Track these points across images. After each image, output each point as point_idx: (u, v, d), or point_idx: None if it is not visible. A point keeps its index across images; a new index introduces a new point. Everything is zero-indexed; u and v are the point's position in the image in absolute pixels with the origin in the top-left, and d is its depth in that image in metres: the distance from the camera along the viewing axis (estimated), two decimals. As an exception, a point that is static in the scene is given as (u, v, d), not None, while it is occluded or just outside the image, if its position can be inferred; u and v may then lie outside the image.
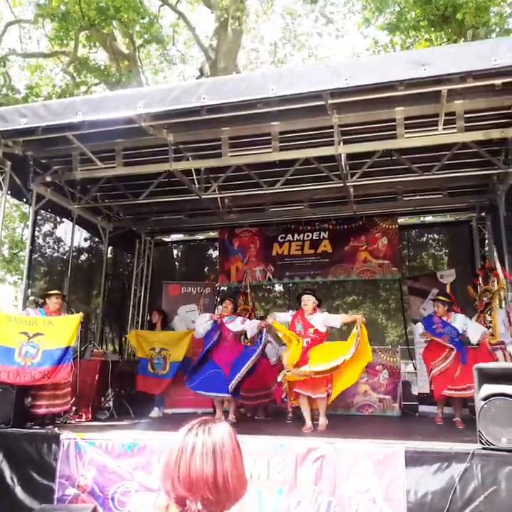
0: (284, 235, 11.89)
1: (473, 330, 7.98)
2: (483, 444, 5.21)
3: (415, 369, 10.84)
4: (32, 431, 6.60)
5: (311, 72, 6.36)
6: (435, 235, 13.57)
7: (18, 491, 6.09)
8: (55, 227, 10.79)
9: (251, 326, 8.26)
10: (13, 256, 20.70)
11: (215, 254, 13.61)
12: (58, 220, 10.68)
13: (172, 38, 21.25)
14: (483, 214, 10.98)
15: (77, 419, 8.05)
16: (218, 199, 10.57)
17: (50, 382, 7.02)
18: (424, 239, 13.50)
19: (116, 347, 12.43)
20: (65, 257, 10.82)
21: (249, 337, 8.62)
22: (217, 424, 2.07)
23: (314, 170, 9.00)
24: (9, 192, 8.64)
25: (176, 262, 14.68)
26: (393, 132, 7.44)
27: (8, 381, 6.71)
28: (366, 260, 11.28)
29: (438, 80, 6.05)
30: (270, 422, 8.58)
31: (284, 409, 8.66)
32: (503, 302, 8.97)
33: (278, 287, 15.07)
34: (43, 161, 9.19)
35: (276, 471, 5.55)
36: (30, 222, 9.62)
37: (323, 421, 7.23)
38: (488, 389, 5.37)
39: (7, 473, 6.19)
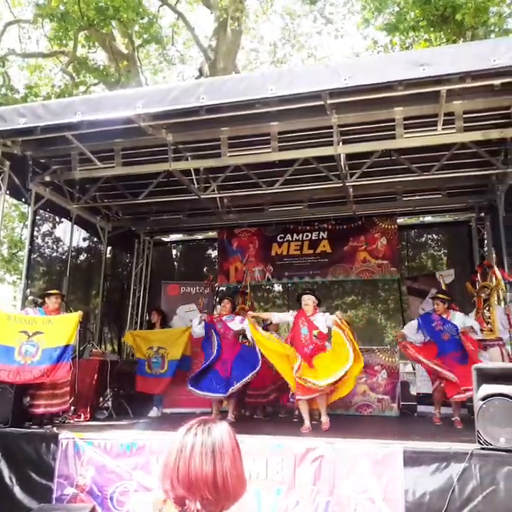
0: (283, 235, 11.88)
1: (475, 326, 8.02)
2: (481, 444, 5.21)
3: (414, 369, 10.85)
4: (30, 430, 6.60)
5: (310, 72, 6.37)
6: (434, 235, 13.59)
7: (17, 490, 6.09)
8: (54, 227, 10.80)
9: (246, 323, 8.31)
10: (12, 256, 20.71)
11: (214, 254, 13.60)
12: (57, 219, 10.69)
13: (171, 38, 21.26)
14: (482, 214, 10.98)
15: (75, 419, 8.05)
16: (217, 199, 10.57)
17: (50, 381, 7.03)
18: (423, 239, 13.53)
19: (115, 347, 12.43)
20: (63, 257, 10.82)
21: (249, 337, 8.61)
22: (217, 424, 2.07)
23: (313, 170, 9.00)
24: (8, 192, 8.64)
25: (175, 262, 14.68)
26: (392, 132, 7.44)
27: (8, 380, 6.72)
28: (365, 260, 11.28)
29: (437, 80, 6.05)
30: (269, 422, 8.59)
31: (289, 407, 8.66)
32: (502, 301, 8.97)
33: (277, 287, 15.09)
34: (42, 161, 9.19)
35: (274, 470, 5.55)
36: (29, 222, 9.60)
37: (325, 419, 7.22)
38: (487, 389, 5.37)
39: (6, 473, 6.19)
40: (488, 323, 8.35)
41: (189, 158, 8.72)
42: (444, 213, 12.12)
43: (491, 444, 5.15)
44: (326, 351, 7.46)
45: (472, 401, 5.81)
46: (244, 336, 8.92)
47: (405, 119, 7.30)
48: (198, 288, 11.98)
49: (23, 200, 9.45)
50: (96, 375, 8.76)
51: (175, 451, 1.98)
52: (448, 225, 12.66)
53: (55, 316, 7.63)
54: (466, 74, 5.89)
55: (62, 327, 7.22)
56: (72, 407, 8.04)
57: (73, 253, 10.92)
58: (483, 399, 5.34)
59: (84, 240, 11.57)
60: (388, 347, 11.28)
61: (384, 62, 6.47)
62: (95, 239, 11.79)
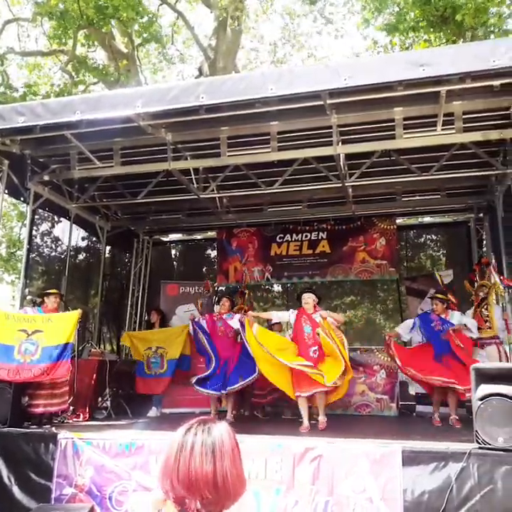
0: (282, 235, 11.88)
1: (471, 326, 8.01)
2: (479, 443, 5.21)
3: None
4: (29, 430, 6.60)
5: (310, 72, 6.37)
6: (433, 236, 13.60)
7: (16, 490, 6.08)
8: (53, 226, 10.79)
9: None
10: (10, 255, 20.70)
11: (213, 254, 13.60)
12: (56, 219, 10.68)
13: (171, 37, 21.25)
14: (481, 215, 10.98)
15: (74, 419, 8.05)
16: (216, 199, 10.57)
17: (49, 380, 7.03)
18: (422, 239, 13.53)
19: (114, 347, 12.43)
20: (62, 257, 10.81)
21: (243, 338, 8.61)
22: (216, 423, 2.07)
23: (313, 170, 9.00)
24: (7, 191, 8.66)
25: (174, 262, 14.67)
26: (392, 132, 7.45)
27: (7, 379, 6.73)
28: (364, 260, 11.28)
29: (437, 81, 6.06)
30: (269, 422, 8.59)
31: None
32: (501, 301, 8.97)
33: (276, 287, 15.07)
34: (41, 160, 9.19)
35: (273, 470, 5.55)
36: (27, 221, 9.60)
37: (322, 419, 7.24)
38: (485, 389, 5.37)
39: (4, 472, 6.18)
40: (486, 321, 8.36)
41: (188, 158, 8.71)
42: (443, 214, 12.12)
43: (489, 444, 5.16)
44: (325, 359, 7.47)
45: (470, 401, 5.83)
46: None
47: (405, 119, 7.30)
48: (197, 288, 11.99)
49: (22, 199, 9.45)
50: (95, 375, 8.75)
51: (175, 451, 1.98)
52: (447, 225, 12.66)
53: (54, 314, 7.64)
54: (466, 74, 5.89)
55: (61, 325, 7.22)
56: (71, 407, 8.04)
57: (72, 252, 10.91)
58: (482, 399, 5.35)
59: (83, 239, 11.57)
60: (387, 347, 11.28)
61: (384, 62, 6.47)
62: (94, 238, 11.78)
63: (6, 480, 6.16)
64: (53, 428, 6.67)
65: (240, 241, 12.10)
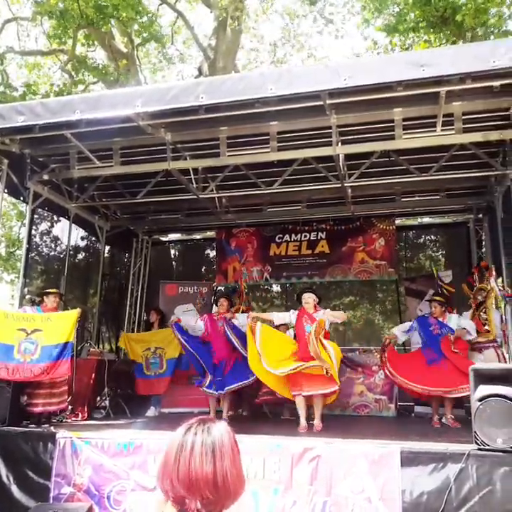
0: (281, 235, 11.87)
1: (469, 327, 8.01)
2: (478, 444, 5.21)
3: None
4: (28, 429, 6.61)
5: (310, 72, 6.38)
6: (432, 237, 13.59)
7: (15, 489, 6.09)
8: (52, 225, 10.78)
9: (241, 319, 8.42)
10: (9, 254, 20.70)
11: (212, 254, 13.59)
12: (55, 218, 10.67)
13: (171, 37, 21.24)
14: (481, 215, 10.98)
15: (73, 418, 8.05)
16: (216, 199, 10.56)
17: (50, 378, 7.04)
18: (422, 240, 13.53)
19: (113, 346, 12.40)
20: (61, 256, 10.80)
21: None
22: (216, 423, 2.07)
23: (312, 170, 8.99)
24: (6, 190, 8.66)
25: (173, 262, 14.66)
26: (391, 133, 7.45)
27: (8, 378, 6.74)
28: (363, 261, 11.28)
29: (437, 81, 6.06)
30: (267, 422, 8.58)
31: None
32: (499, 304, 8.95)
33: (275, 287, 15.06)
34: (40, 159, 9.18)
35: (272, 470, 5.55)
36: (27, 221, 9.60)
37: (317, 422, 7.23)
38: (484, 390, 5.38)
39: (3, 471, 6.19)
40: (484, 324, 8.34)
41: (188, 158, 8.71)
42: (443, 214, 12.11)
43: (488, 445, 5.16)
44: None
45: (468, 401, 5.84)
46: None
47: (404, 119, 7.31)
48: (196, 288, 11.99)
49: (21, 198, 9.45)
50: (93, 375, 8.76)
51: (174, 451, 1.97)
52: (446, 226, 12.64)
53: (53, 313, 7.64)
54: (466, 75, 5.90)
55: (61, 324, 7.23)
56: (70, 407, 8.04)
57: (71, 252, 10.91)
58: (481, 400, 5.35)
59: (83, 239, 11.56)
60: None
61: (384, 62, 6.49)
62: (93, 238, 11.77)
63: (4, 479, 6.17)
64: (52, 427, 6.68)
65: (239, 241, 12.09)
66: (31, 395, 7.15)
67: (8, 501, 6.01)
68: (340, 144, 7.77)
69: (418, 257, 13.64)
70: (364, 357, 9.65)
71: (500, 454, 5.08)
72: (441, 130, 7.26)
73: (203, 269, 14.18)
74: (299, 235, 11.74)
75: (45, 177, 9.24)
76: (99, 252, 11.84)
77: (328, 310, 8.04)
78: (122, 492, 5.82)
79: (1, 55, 18.09)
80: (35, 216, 9.99)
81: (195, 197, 9.60)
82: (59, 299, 8.08)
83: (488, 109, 7.16)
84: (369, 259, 11.25)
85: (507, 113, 7.21)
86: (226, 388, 7.80)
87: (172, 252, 14.68)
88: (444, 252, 13.46)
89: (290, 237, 11.79)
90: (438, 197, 10.54)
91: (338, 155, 8.07)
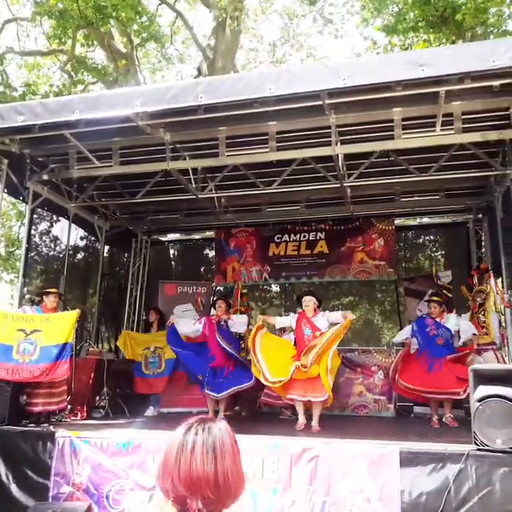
0: (280, 236, 11.87)
1: (464, 328, 8.00)
2: (477, 445, 5.21)
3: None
4: (27, 429, 6.62)
5: (309, 72, 6.37)
6: (432, 237, 13.58)
7: (14, 488, 6.10)
8: (52, 225, 10.77)
9: (239, 320, 8.47)
10: (9, 254, 20.70)
11: (211, 254, 13.58)
12: (55, 218, 10.67)
13: (170, 37, 21.24)
14: (480, 215, 10.98)
15: (72, 418, 8.05)
16: (215, 199, 10.56)
17: (49, 379, 7.04)
18: (421, 240, 13.52)
19: (112, 346, 12.40)
20: (61, 256, 10.80)
21: (237, 330, 8.60)
22: (216, 422, 2.06)
23: (311, 170, 8.99)
24: (6, 190, 8.65)
25: (173, 262, 14.66)
26: (391, 133, 7.45)
27: (7, 378, 6.74)
28: (362, 261, 11.28)
29: (436, 81, 6.06)
30: (266, 422, 8.57)
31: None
32: (497, 308, 8.95)
33: (274, 287, 15.04)
34: (40, 159, 9.18)
35: (270, 470, 5.55)
36: (26, 221, 9.61)
37: (315, 424, 7.20)
38: (483, 390, 5.37)
39: (2, 470, 6.20)
40: (483, 327, 8.34)
41: (187, 158, 8.71)
42: (442, 214, 12.10)
43: (488, 445, 5.15)
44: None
45: (468, 402, 5.84)
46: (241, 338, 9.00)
47: (404, 119, 7.30)
48: (195, 288, 11.99)
49: (21, 198, 9.45)
50: (93, 374, 8.76)
51: (175, 451, 1.96)
52: (446, 226, 12.63)
53: (53, 314, 7.63)
54: (466, 75, 5.89)
55: (60, 325, 7.23)
56: (69, 406, 8.03)
57: (71, 252, 10.92)
58: (480, 400, 5.35)
59: (82, 238, 11.56)
60: (385, 348, 11.27)
61: (383, 62, 6.47)
62: (93, 238, 11.77)
63: (4, 478, 6.18)
64: (51, 427, 6.68)
65: (238, 241, 12.09)
66: (31, 394, 7.15)
67: (8, 500, 6.02)
68: (339, 143, 7.76)
69: (417, 257, 13.63)
70: (363, 357, 9.64)
71: (500, 454, 5.08)
72: (441, 130, 7.26)
73: (202, 269, 14.18)
74: (298, 235, 11.74)
75: (45, 177, 9.24)
76: (99, 252, 11.85)
77: (328, 311, 8.06)
78: (121, 491, 5.82)
79: (1, 56, 18.09)
80: (35, 216, 9.99)
81: (194, 197, 9.59)
82: (59, 298, 8.07)
83: (487, 108, 7.15)
84: (368, 260, 11.25)
85: (506, 113, 7.19)
86: (223, 393, 7.84)
87: (171, 252, 14.69)
88: (443, 252, 13.45)
89: (289, 237, 11.79)
90: (437, 197, 10.54)
91: (338, 155, 8.06)
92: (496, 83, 6.18)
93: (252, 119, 7.33)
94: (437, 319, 8.14)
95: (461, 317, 8.30)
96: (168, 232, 13.78)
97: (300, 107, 6.74)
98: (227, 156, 8.11)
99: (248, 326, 8.74)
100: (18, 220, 20.06)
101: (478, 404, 5.34)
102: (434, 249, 13.77)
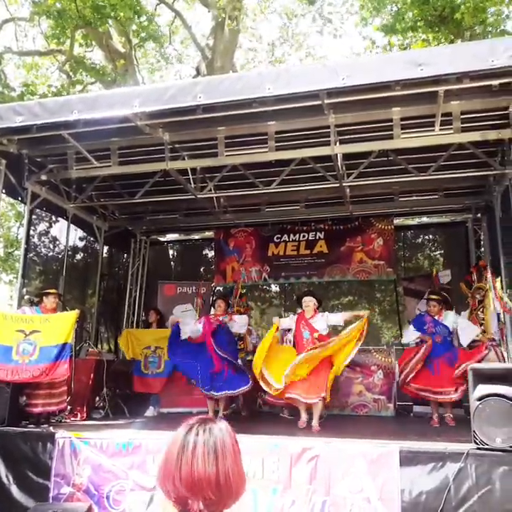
0: (279, 235, 11.87)
1: (465, 330, 7.99)
2: (477, 444, 5.22)
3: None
4: (27, 429, 6.61)
5: (308, 72, 6.37)
6: (431, 236, 13.59)
7: (14, 489, 6.10)
8: (51, 226, 10.77)
9: (240, 321, 8.48)
10: (8, 255, 20.69)
11: (210, 254, 13.58)
12: (53, 219, 10.66)
13: (169, 36, 21.22)
14: (479, 215, 10.98)
15: (72, 418, 8.05)
16: (214, 199, 10.55)
17: (49, 379, 7.03)
18: (420, 240, 13.53)
19: (112, 346, 12.41)
20: (60, 256, 10.80)
21: (237, 331, 8.60)
22: (217, 423, 2.06)
23: (310, 170, 8.98)
24: (4, 190, 8.64)
25: (172, 262, 14.66)
26: (390, 132, 7.44)
27: (7, 379, 6.73)
28: (362, 261, 11.28)
29: (435, 81, 6.06)
30: (265, 422, 8.57)
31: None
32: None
33: (274, 287, 15.05)
34: (38, 160, 9.16)
35: (270, 470, 5.55)
36: (25, 221, 9.60)
37: (315, 424, 7.21)
38: (483, 389, 5.38)
39: (3, 471, 6.21)
40: (481, 324, 8.34)
41: (186, 158, 8.70)
42: (441, 214, 12.07)
43: (487, 444, 5.16)
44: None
45: (468, 400, 5.84)
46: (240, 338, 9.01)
47: (403, 119, 7.30)
48: (194, 288, 11.98)
49: (20, 199, 9.44)
50: (92, 375, 8.77)
51: (176, 451, 1.95)
52: (445, 225, 12.61)
53: (52, 314, 7.63)
54: (464, 74, 5.89)
55: (59, 325, 7.22)
56: (69, 407, 8.03)
57: (69, 252, 10.92)
58: (480, 399, 5.35)
59: (81, 239, 11.56)
60: (384, 347, 11.28)
61: (382, 62, 6.47)
62: (92, 238, 11.77)
63: (4, 479, 6.18)
64: (51, 427, 6.68)
65: (238, 241, 12.09)
66: (30, 395, 7.14)
67: (8, 501, 6.02)
68: (338, 143, 7.76)
69: (416, 257, 13.64)
70: (362, 357, 9.62)
71: (500, 453, 5.09)
72: (440, 129, 7.25)
73: (201, 269, 14.17)
74: (297, 235, 11.74)
75: (43, 177, 9.22)
76: (98, 253, 11.84)
77: (327, 313, 8.08)
78: (121, 492, 5.83)
79: (-1, 56, 18.11)
80: (34, 217, 9.97)
81: (193, 197, 9.58)
82: (58, 299, 8.06)
83: (486, 108, 7.14)
84: (367, 259, 11.25)
85: (505, 112, 7.18)
86: (220, 393, 7.89)
87: (170, 252, 14.69)
88: (442, 251, 13.45)
89: (288, 237, 11.79)
90: (436, 196, 10.53)
91: (336, 154, 8.05)
92: (495, 82, 6.19)
93: (251, 118, 7.32)
94: (436, 317, 8.15)
95: (460, 315, 8.30)
96: (167, 233, 13.76)
97: (299, 107, 6.74)
98: (226, 156, 8.10)
99: (248, 326, 8.80)
100: (16, 221, 20.07)
101: (478, 403, 5.35)
102: (433, 248, 13.77)
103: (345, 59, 19.97)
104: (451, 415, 7.73)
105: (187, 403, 8.93)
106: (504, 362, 8.08)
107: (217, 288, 12.39)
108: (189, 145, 8.49)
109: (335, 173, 8.60)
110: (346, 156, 8.52)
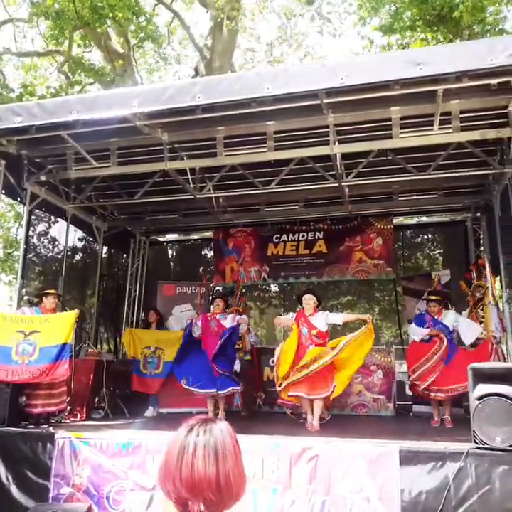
0: (278, 235, 11.87)
1: (466, 329, 7.98)
2: (477, 443, 5.21)
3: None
4: (27, 430, 6.61)
5: (306, 72, 6.36)
6: (430, 235, 13.58)
7: (14, 490, 6.10)
8: (50, 226, 10.76)
9: (244, 321, 8.63)
10: (7, 255, 20.68)
11: (209, 254, 13.59)
12: (53, 219, 10.65)
13: (167, 37, 21.21)
14: (479, 214, 10.98)
15: (71, 419, 8.05)
16: (213, 199, 10.55)
17: (49, 379, 7.02)
18: (419, 239, 13.52)
19: (111, 346, 12.41)
20: (59, 257, 10.80)
21: (239, 328, 8.62)
22: (217, 423, 2.05)
23: (309, 170, 8.98)
24: (3, 191, 8.63)
25: (171, 262, 14.67)
26: (389, 132, 7.43)
27: (7, 380, 6.72)
28: (361, 260, 11.27)
29: (434, 80, 6.05)
30: (265, 421, 8.57)
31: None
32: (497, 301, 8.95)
33: (273, 287, 15.06)
34: (38, 160, 9.15)
35: (270, 470, 5.55)
36: (24, 222, 9.59)
37: (315, 423, 7.23)
38: (483, 389, 5.37)
39: (2, 472, 6.20)
40: (481, 322, 8.34)
41: (185, 158, 8.70)
42: (440, 213, 12.07)
43: (487, 444, 5.16)
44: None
45: (467, 400, 5.84)
46: (240, 338, 9.01)
47: (402, 118, 7.29)
48: (193, 288, 11.98)
49: (19, 199, 9.44)
50: (92, 375, 8.77)
51: (176, 452, 1.95)
52: (444, 225, 12.61)
53: (51, 314, 7.63)
54: (463, 73, 5.88)
55: (59, 325, 7.22)
56: (68, 407, 8.03)
57: (69, 253, 10.91)
58: (479, 398, 5.35)
59: (80, 239, 11.55)
60: (384, 347, 11.29)
61: (381, 61, 6.46)
62: (91, 239, 11.76)
63: (4, 479, 6.17)
64: (51, 428, 6.67)
65: (237, 241, 12.09)
66: (30, 395, 7.13)
67: (8, 501, 6.01)
68: (337, 143, 7.76)
69: (416, 256, 13.64)
70: (362, 356, 9.64)
71: (499, 452, 5.08)
72: (439, 129, 7.24)
73: (200, 270, 14.17)
74: (296, 235, 11.74)
75: (43, 178, 9.22)
76: (97, 253, 11.84)
77: (328, 312, 8.11)
78: (121, 492, 5.82)
79: (-2, 56, 18.11)
80: (33, 217, 9.96)
81: (192, 197, 9.58)
82: (57, 299, 8.06)
83: (485, 107, 7.14)
84: (367, 259, 11.25)
85: (504, 111, 7.17)
86: (220, 392, 7.95)
87: (169, 252, 14.69)
88: (441, 251, 13.45)
89: (287, 237, 11.78)
90: (436, 196, 10.52)
91: (335, 154, 8.04)
92: (494, 81, 6.19)
93: (250, 118, 7.32)
94: (435, 316, 8.15)
95: (460, 315, 8.30)
96: (166, 233, 13.77)
97: (298, 107, 6.74)
98: (225, 155, 8.09)
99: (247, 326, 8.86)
100: (15, 222, 20.05)
101: (478, 402, 5.34)
102: (432, 248, 13.77)
103: (343, 58, 19.94)
104: (450, 417, 7.73)
105: (187, 403, 8.92)
106: (504, 361, 8.09)
107: (217, 288, 12.38)
108: (188, 145, 8.49)
109: (334, 172, 8.60)
110: (345, 156, 8.51)
